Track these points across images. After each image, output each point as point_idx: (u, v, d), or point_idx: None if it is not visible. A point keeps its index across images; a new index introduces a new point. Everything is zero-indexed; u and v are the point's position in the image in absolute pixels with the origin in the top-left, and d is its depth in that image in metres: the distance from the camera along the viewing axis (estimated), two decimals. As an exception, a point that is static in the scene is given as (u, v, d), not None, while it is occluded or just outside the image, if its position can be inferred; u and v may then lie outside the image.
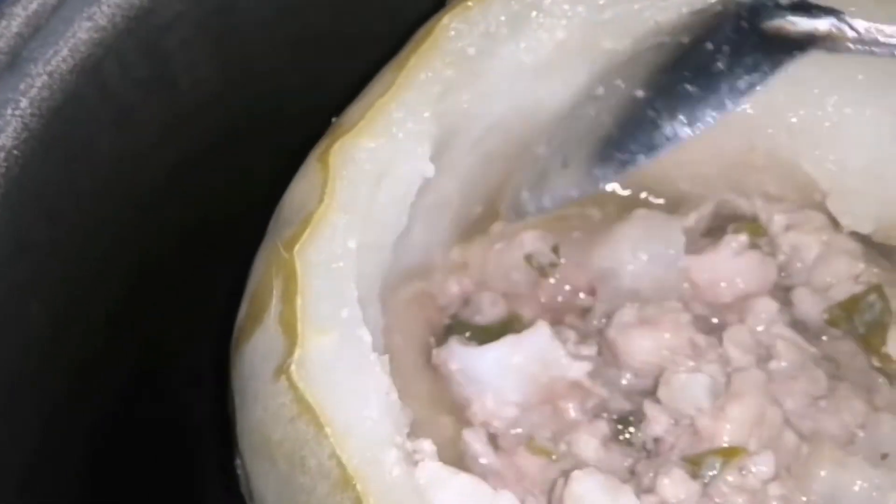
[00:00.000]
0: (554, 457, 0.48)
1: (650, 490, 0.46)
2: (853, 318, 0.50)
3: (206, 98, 0.53)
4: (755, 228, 0.53)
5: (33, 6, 0.46)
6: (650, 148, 0.47)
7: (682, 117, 0.46)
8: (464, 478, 0.42)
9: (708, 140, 0.49)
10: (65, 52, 0.46)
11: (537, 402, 0.49)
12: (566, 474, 0.46)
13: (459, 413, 0.50)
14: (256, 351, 0.44)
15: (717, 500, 0.45)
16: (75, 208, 0.50)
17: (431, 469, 0.42)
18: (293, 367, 0.41)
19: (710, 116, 0.46)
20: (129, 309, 0.54)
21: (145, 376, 0.56)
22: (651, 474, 0.47)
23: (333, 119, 0.49)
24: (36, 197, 0.47)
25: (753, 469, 0.46)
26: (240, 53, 0.53)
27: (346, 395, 0.41)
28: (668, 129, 0.47)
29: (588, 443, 0.48)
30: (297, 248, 0.43)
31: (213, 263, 0.54)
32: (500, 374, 0.49)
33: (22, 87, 0.46)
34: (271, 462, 0.43)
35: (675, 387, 0.48)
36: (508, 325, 0.52)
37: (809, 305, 0.51)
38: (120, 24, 0.48)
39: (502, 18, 0.49)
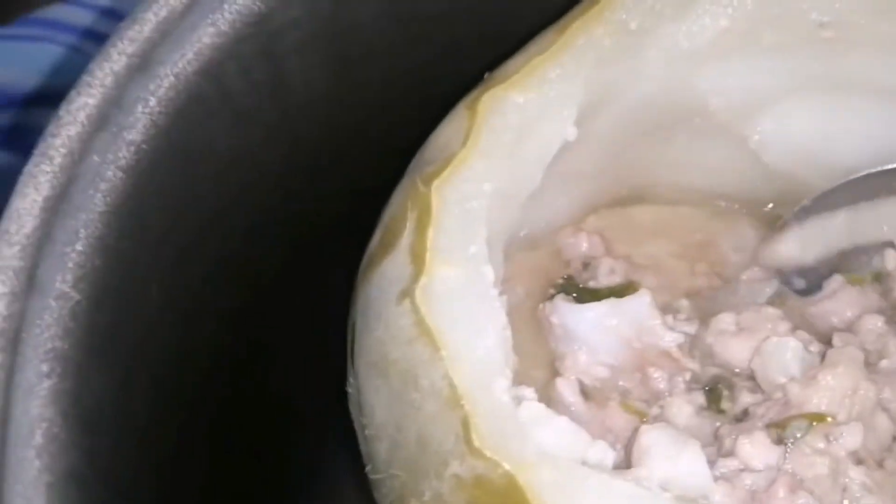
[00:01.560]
0: (646, 419, 0.50)
1: (730, 454, 0.47)
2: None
3: (317, 99, 0.56)
4: (867, 278, 0.54)
5: (163, 13, 0.50)
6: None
7: None
8: (563, 421, 0.44)
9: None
10: (190, 55, 0.50)
11: (629, 367, 0.52)
12: None
13: (553, 368, 0.53)
14: (384, 275, 0.47)
15: (798, 464, 0.46)
16: (192, 202, 0.53)
17: (534, 408, 0.44)
18: (417, 292, 0.44)
19: None
20: (238, 309, 0.57)
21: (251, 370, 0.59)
22: (733, 437, 0.47)
23: (486, 74, 0.52)
24: (158, 190, 0.50)
25: (840, 439, 0.46)
26: (351, 57, 0.55)
27: (463, 324, 0.44)
28: None
29: (682, 408, 0.50)
30: (435, 183, 0.46)
31: (322, 262, 0.56)
32: (596, 333, 0.51)
33: (151, 87, 0.49)
34: (385, 378, 0.45)
35: (768, 353, 0.49)
36: (617, 292, 0.54)
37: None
38: (241, 30, 0.51)
39: None
